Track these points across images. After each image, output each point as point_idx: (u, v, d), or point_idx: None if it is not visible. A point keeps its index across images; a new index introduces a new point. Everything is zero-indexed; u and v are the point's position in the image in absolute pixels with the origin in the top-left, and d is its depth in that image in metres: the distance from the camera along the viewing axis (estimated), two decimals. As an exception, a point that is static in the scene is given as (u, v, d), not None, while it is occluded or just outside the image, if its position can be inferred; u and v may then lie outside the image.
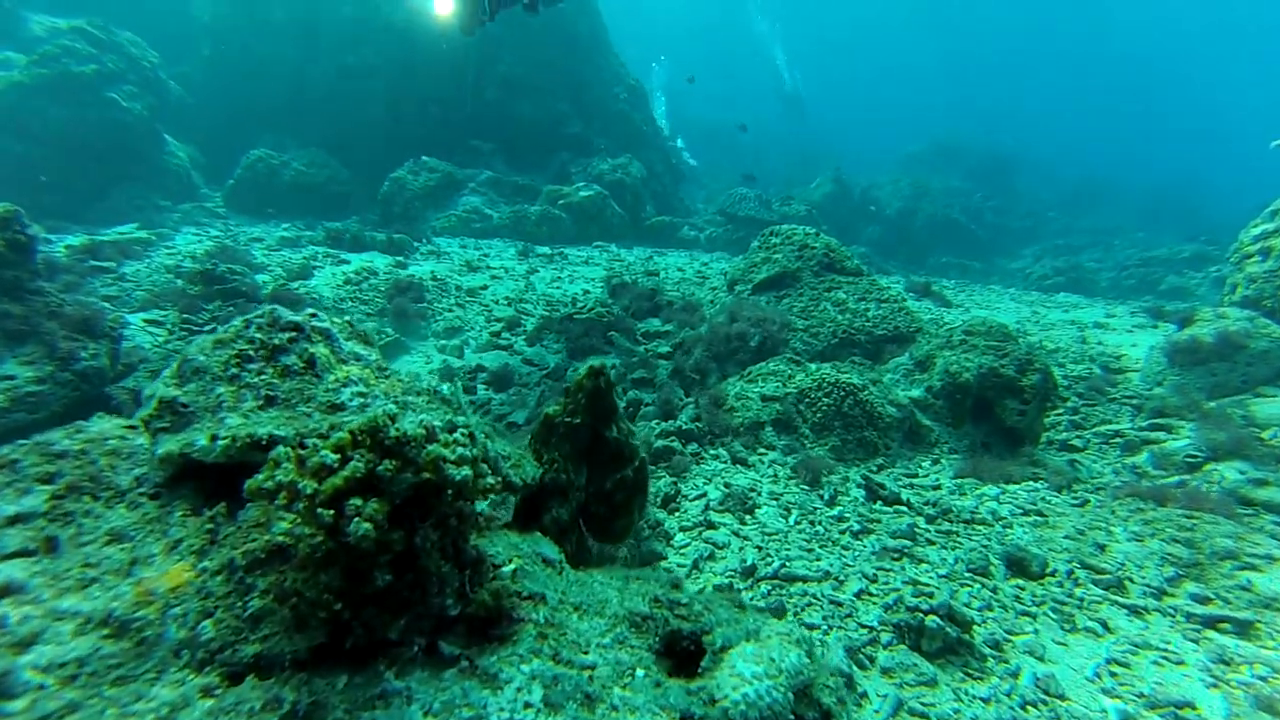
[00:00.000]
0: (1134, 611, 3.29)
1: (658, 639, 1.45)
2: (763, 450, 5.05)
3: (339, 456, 1.20)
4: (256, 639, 1.30)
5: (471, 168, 13.64)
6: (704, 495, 4.35)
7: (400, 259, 9.23)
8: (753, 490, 4.41)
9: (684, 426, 5.15)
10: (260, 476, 1.20)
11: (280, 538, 1.17)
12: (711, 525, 4.01)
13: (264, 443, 1.47)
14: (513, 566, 1.49)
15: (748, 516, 4.13)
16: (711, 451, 5.01)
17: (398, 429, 1.23)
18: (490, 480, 1.35)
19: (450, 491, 1.27)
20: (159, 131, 11.96)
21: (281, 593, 1.25)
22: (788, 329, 6.70)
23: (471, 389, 5.77)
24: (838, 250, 7.90)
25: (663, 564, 3.62)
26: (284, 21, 14.37)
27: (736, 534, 3.91)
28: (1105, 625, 3.18)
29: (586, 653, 1.38)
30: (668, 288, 8.88)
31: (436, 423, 1.26)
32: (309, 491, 1.17)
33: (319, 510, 1.15)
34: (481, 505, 1.60)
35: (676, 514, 4.14)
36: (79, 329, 4.30)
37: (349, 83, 14.39)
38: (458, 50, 11.31)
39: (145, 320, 5.85)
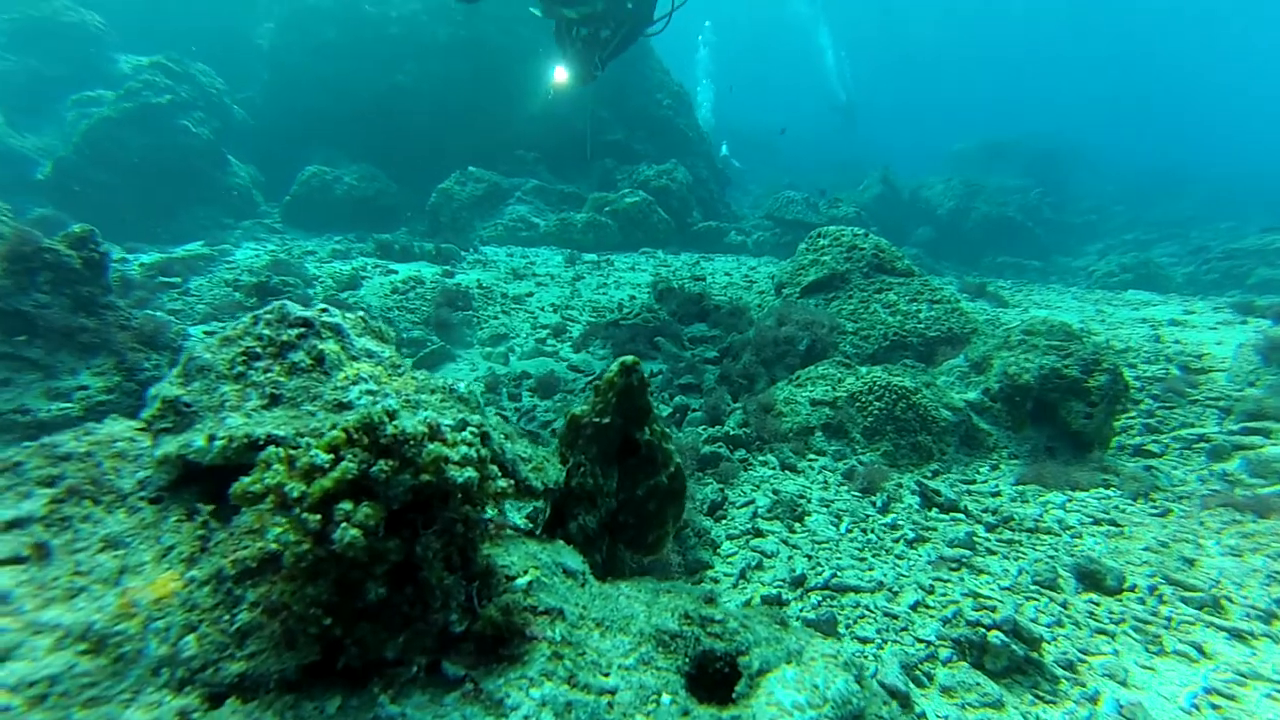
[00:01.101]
0: (1236, 636, 2.96)
1: (688, 660, 1.32)
2: (812, 456, 4.91)
3: (331, 456, 1.12)
4: (243, 656, 1.21)
5: (517, 177, 13.85)
6: (752, 502, 4.24)
7: (447, 268, 9.41)
8: (802, 497, 4.28)
9: (731, 432, 5.05)
10: (248, 479, 1.11)
11: (273, 545, 1.08)
12: (760, 533, 3.90)
13: (261, 443, 1.40)
14: (528, 578, 1.39)
15: (797, 524, 4.00)
16: (760, 458, 4.89)
17: (396, 426, 1.14)
18: (502, 484, 1.25)
19: (458, 495, 1.17)
20: (224, 153, 12.58)
21: (271, 606, 1.16)
22: (836, 332, 6.52)
23: (516, 395, 5.80)
24: (888, 250, 7.66)
25: (709, 573, 3.54)
26: (335, 43, 14.98)
27: (785, 542, 3.79)
28: (1200, 650, 2.88)
29: (607, 675, 1.26)
30: (714, 292, 8.78)
31: (447, 421, 1.19)
32: (295, 495, 1.08)
33: (304, 515, 1.07)
34: (493, 511, 1.52)
35: (724, 522, 4.04)
36: (145, 341, 4.50)
37: (397, 98, 14.86)
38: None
39: (205, 332, 6.12)
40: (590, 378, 6.12)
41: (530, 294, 8.54)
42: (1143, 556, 3.58)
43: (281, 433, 1.41)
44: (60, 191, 10.70)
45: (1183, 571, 3.41)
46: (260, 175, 13.64)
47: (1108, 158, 27.74)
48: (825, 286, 7.43)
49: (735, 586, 3.41)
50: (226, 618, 1.23)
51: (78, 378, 4.09)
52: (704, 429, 5.15)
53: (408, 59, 15.01)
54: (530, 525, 3.63)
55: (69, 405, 3.94)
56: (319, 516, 1.07)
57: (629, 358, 1.97)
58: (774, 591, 3.31)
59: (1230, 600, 3.18)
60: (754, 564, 3.58)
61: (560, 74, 6.94)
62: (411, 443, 1.14)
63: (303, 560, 1.07)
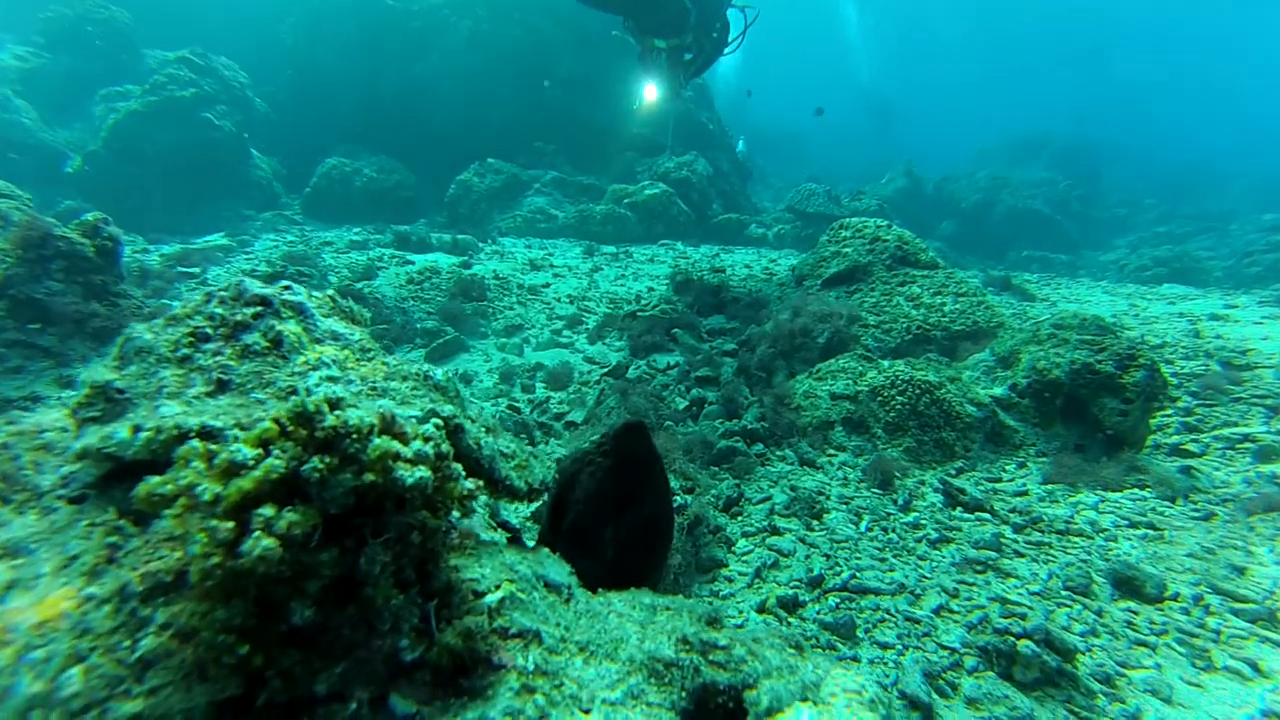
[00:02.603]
0: None
1: (685, 694, 1.11)
2: (832, 451, 4.76)
3: (258, 452, 0.94)
4: (141, 693, 0.98)
5: (536, 169, 13.78)
6: (769, 499, 4.11)
7: (464, 259, 9.36)
8: (821, 494, 4.13)
9: (749, 426, 4.91)
10: (155, 480, 0.93)
11: (185, 557, 0.90)
12: (776, 531, 3.76)
13: (194, 435, 1.19)
14: (499, 595, 1.18)
15: (815, 522, 3.86)
16: (778, 453, 4.75)
17: (338, 417, 0.95)
18: (468, 485, 1.07)
19: (415, 499, 0.99)
20: (246, 146, 12.67)
21: (183, 630, 0.94)
22: (856, 322, 6.34)
23: (530, 387, 5.72)
24: (911, 242, 7.44)
25: (723, 571, 3.42)
26: (356, 37, 15.03)
27: (803, 540, 3.65)
28: (1255, 667, 2.65)
29: (587, 712, 1.06)
30: (734, 284, 8.62)
31: (412, 412, 1.06)
32: (208, 498, 0.90)
33: (214, 524, 0.88)
34: (482, 513, 1.36)
35: (739, 519, 3.92)
36: (159, 329, 4.48)
37: (417, 92, 14.88)
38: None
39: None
40: (605, 369, 6.02)
41: (547, 285, 8.45)
42: (1185, 563, 3.37)
43: (219, 423, 1.22)
44: (89, 184, 10.87)
45: (1231, 580, 3.19)
46: (282, 168, 13.75)
47: (1141, 153, 26.91)
48: (847, 279, 7.23)
49: (750, 586, 3.29)
50: (127, 645, 1.01)
51: (89, 366, 4.08)
52: (720, 422, 5.02)
53: (430, 52, 15.01)
54: (535, 525, 3.55)
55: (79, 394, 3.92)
56: (232, 524, 0.90)
57: (636, 421, 1.83)
58: (790, 592, 3.18)
59: (1287, 612, 2.95)
60: (770, 563, 3.45)
61: (650, 92, 7.74)
62: (355, 436, 0.97)
63: (209, 577, 0.88)
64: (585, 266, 9.62)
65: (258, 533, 0.88)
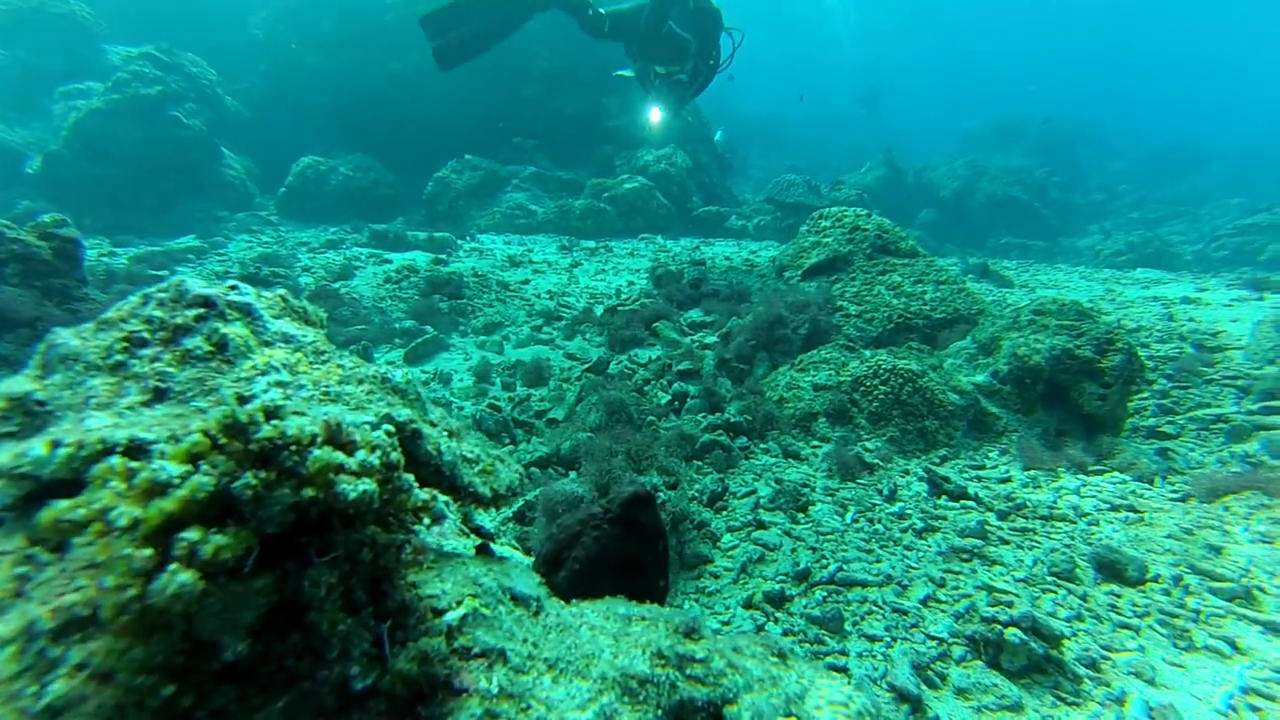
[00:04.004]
0: (1272, 629, 2.75)
1: (660, 713, 1.05)
2: (816, 443, 4.74)
3: (186, 468, 0.83)
4: None
5: (515, 164, 13.62)
6: (754, 492, 4.08)
7: (442, 256, 9.22)
8: (806, 486, 4.11)
9: (732, 419, 4.87)
10: (64, 504, 0.81)
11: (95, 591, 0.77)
12: (762, 525, 3.73)
13: (119, 451, 1.08)
14: (461, 612, 1.09)
15: (801, 514, 3.84)
16: (762, 445, 4.72)
17: (275, 427, 0.86)
18: (420, 496, 0.99)
19: (366, 514, 0.90)
20: (217, 146, 12.37)
21: (98, 671, 0.84)
22: (832, 309, 6.34)
23: (510, 384, 5.64)
24: (891, 231, 7.44)
25: (708, 568, 3.38)
26: (332, 33, 14.72)
27: (789, 534, 3.63)
28: (1234, 645, 2.67)
29: None
30: (715, 277, 8.58)
31: (365, 418, 0.98)
32: (124, 523, 0.79)
33: (129, 552, 0.77)
34: (456, 520, 1.28)
35: (724, 513, 3.88)
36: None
37: (393, 88, 14.62)
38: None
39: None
40: (585, 365, 5.95)
41: (526, 281, 8.35)
42: (1165, 544, 3.40)
43: (150, 436, 1.09)
44: (52, 185, 10.54)
45: (1209, 560, 3.22)
46: (256, 167, 13.45)
47: (1122, 136, 27.18)
48: (828, 269, 7.22)
49: (736, 582, 3.25)
50: (32, 691, 0.87)
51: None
52: (703, 416, 4.98)
53: (405, 48, 14.73)
54: (517, 525, 3.48)
55: None
56: (150, 552, 0.79)
57: (644, 490, 1.78)
58: (777, 587, 3.15)
59: (1263, 590, 2.99)
60: (756, 558, 3.42)
61: (655, 114, 9.01)
62: (294, 448, 0.88)
63: (124, 612, 0.78)
64: (565, 262, 9.52)
65: (174, 565, 0.78)
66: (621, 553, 1.73)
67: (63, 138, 10.74)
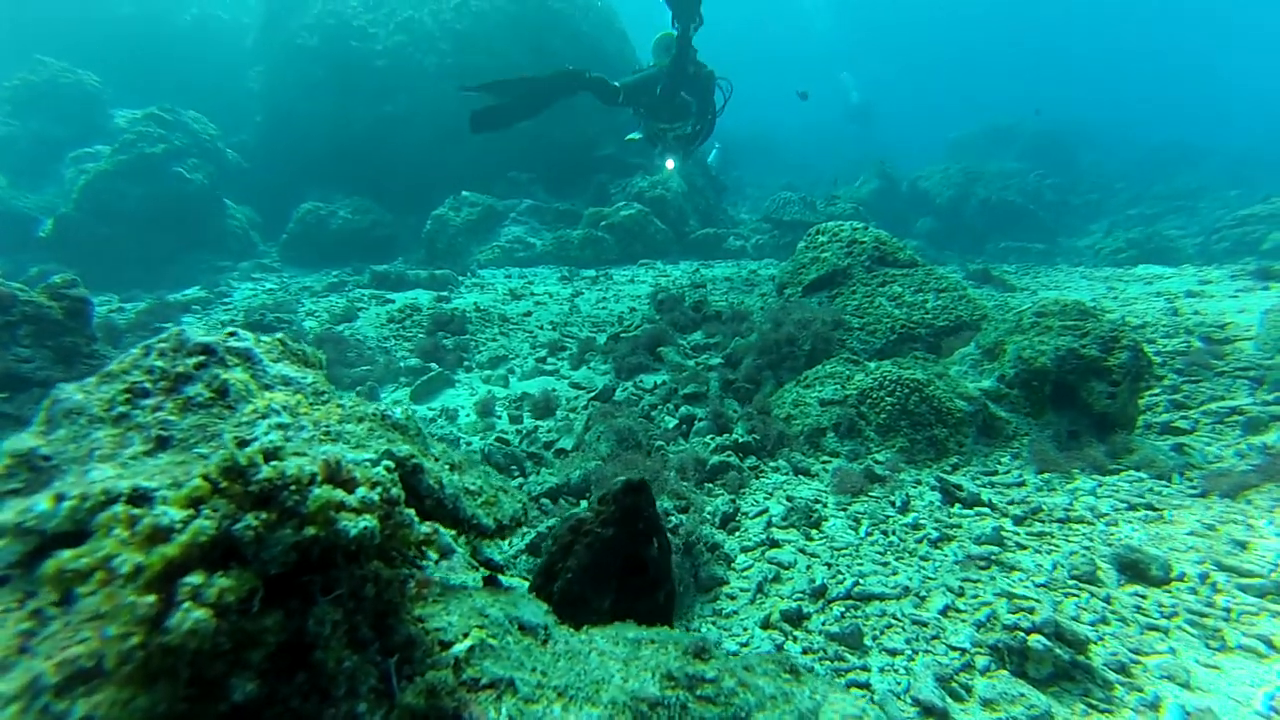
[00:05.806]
0: None
1: None
2: (826, 458, 4.71)
3: (188, 513, 0.84)
4: None
5: (511, 198, 13.80)
6: (765, 511, 4.05)
7: (444, 294, 9.31)
8: (817, 502, 4.08)
9: (740, 439, 4.86)
10: (67, 554, 0.82)
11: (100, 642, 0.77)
12: (775, 543, 3.70)
13: (122, 500, 1.07)
14: (468, 644, 1.09)
15: (814, 531, 3.80)
16: (771, 463, 4.70)
17: (274, 468, 0.87)
18: (422, 530, 0.99)
19: (369, 550, 0.91)
20: (219, 197, 12.64)
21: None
22: (840, 326, 6.34)
23: (518, 417, 5.65)
24: (889, 242, 7.48)
25: (724, 589, 3.35)
26: (324, 79, 15.08)
27: (803, 551, 3.59)
28: (1270, 643, 2.59)
29: None
30: (716, 298, 8.63)
31: (365, 455, 0.99)
32: (127, 570, 0.79)
33: (132, 599, 0.78)
34: (463, 553, 1.27)
35: (737, 534, 3.85)
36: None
37: (388, 129, 14.91)
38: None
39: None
40: (591, 394, 5.96)
41: (529, 313, 8.41)
42: (1188, 542, 3.34)
43: (153, 484, 1.10)
44: (62, 247, 10.78)
45: (1235, 556, 3.15)
46: (257, 215, 13.71)
47: (1115, 136, 27.34)
48: (828, 283, 7.25)
49: (753, 602, 3.22)
50: None
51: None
52: (711, 438, 4.97)
53: (397, 90, 15.08)
54: (532, 557, 3.46)
55: None
56: (153, 599, 0.79)
57: (636, 478, 1.78)
58: (794, 605, 3.11)
59: (1294, 584, 2.90)
60: (771, 577, 3.38)
61: (669, 164, 10.30)
62: (294, 488, 0.89)
63: (128, 660, 0.77)
64: (566, 292, 9.60)
65: (186, 604, 0.79)
66: (619, 553, 1.71)
67: (73, 200, 11.01)
